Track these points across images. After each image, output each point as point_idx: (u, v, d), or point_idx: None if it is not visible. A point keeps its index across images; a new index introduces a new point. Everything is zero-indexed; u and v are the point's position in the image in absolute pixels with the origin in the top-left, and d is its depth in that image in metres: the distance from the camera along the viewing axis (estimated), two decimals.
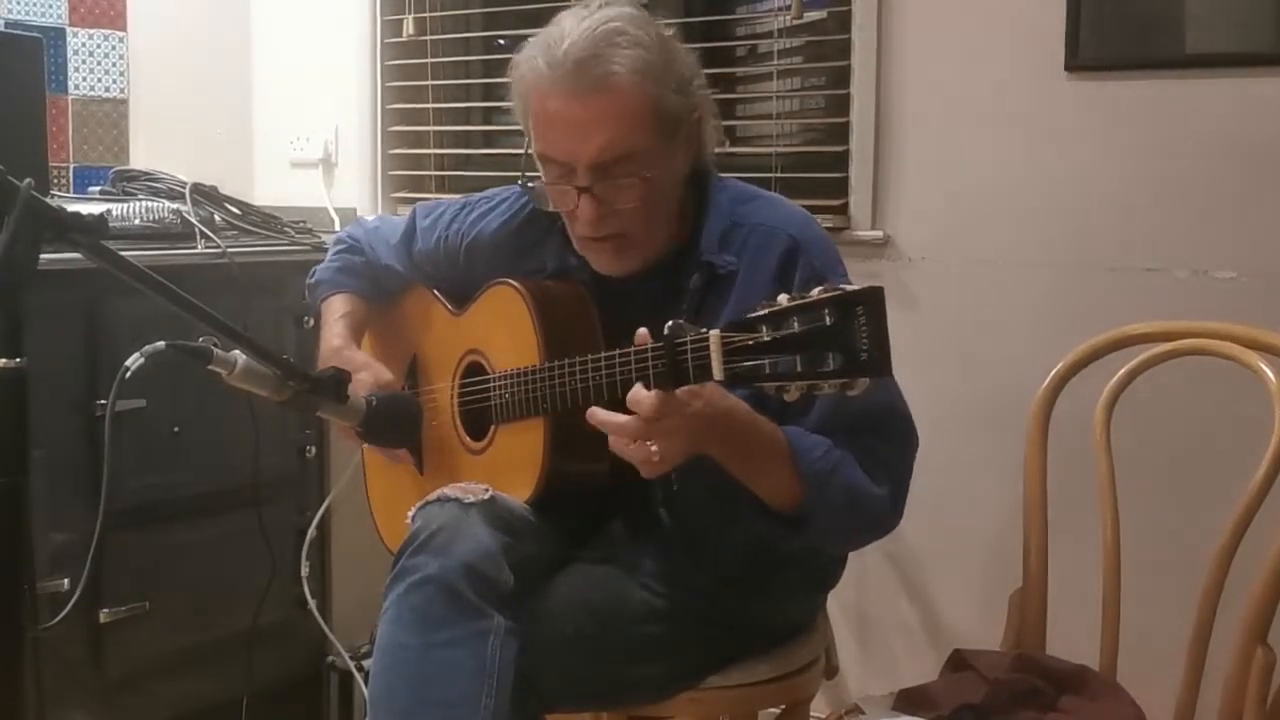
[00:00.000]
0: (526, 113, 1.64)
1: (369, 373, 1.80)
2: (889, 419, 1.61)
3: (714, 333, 1.34)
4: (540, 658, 1.54)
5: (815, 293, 1.28)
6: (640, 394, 1.41)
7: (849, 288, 1.29)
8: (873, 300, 1.27)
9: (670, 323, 1.40)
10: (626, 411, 1.42)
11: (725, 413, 1.46)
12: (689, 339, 1.38)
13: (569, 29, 1.56)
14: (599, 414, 1.44)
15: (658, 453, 1.42)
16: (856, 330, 1.26)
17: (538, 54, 1.58)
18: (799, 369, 1.28)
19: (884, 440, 1.59)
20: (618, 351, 1.48)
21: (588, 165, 1.57)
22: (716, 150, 1.73)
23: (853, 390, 1.28)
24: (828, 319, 1.27)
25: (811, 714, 1.83)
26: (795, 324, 1.28)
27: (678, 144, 1.62)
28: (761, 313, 1.31)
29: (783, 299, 1.30)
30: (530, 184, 1.70)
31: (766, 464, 1.52)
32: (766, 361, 1.30)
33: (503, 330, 1.73)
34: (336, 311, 1.93)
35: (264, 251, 2.49)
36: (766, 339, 1.30)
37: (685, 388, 1.39)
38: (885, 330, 1.26)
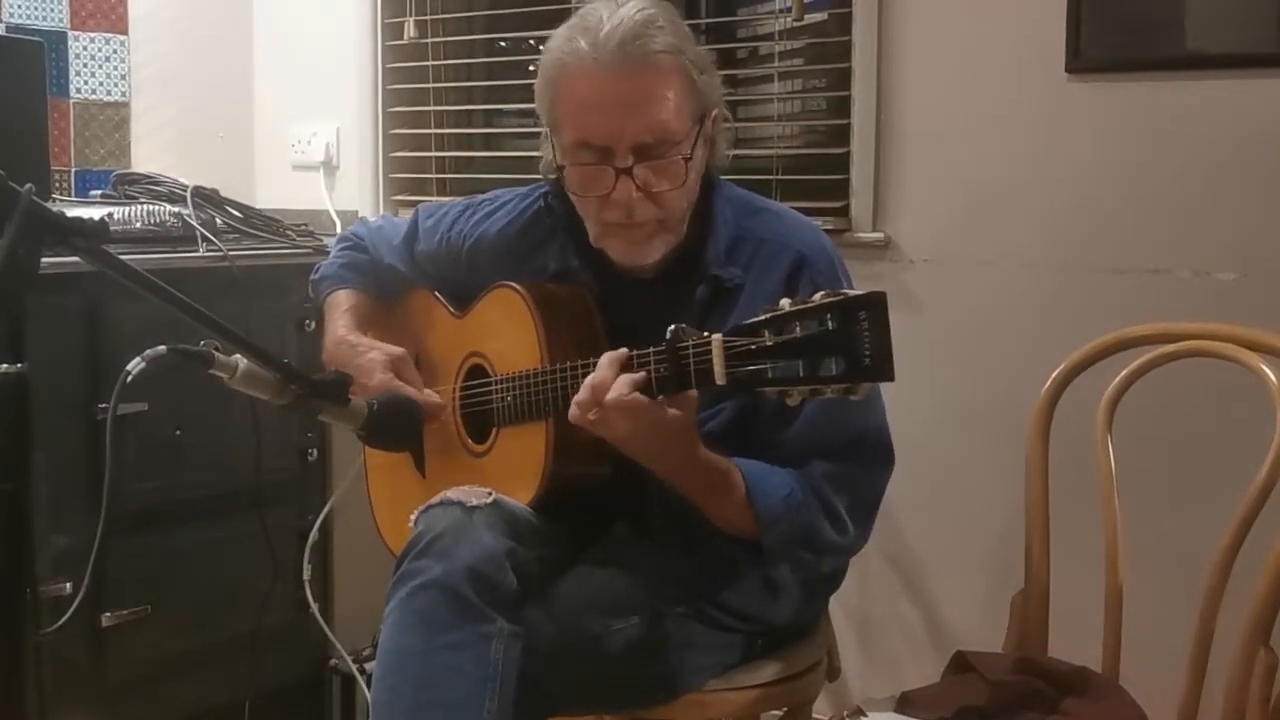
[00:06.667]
0: (555, 101, 1.62)
1: (378, 352, 1.80)
2: (867, 442, 1.63)
3: (716, 337, 1.34)
4: (543, 661, 1.53)
5: (818, 298, 1.29)
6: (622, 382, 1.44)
7: (852, 292, 1.28)
8: (875, 305, 1.27)
9: (673, 326, 1.40)
10: None
11: (671, 429, 1.48)
12: (691, 343, 1.38)
13: (605, 16, 1.57)
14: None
15: (596, 424, 1.46)
16: (859, 335, 1.26)
17: (577, 37, 1.57)
18: (801, 374, 1.28)
19: (859, 464, 1.62)
20: None
21: (630, 145, 1.56)
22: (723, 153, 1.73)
23: (855, 395, 1.28)
24: (830, 324, 1.27)
25: (814, 716, 1.83)
26: (798, 329, 1.29)
27: (702, 136, 1.62)
28: (764, 317, 1.31)
29: (785, 304, 1.30)
30: (559, 168, 1.66)
31: (716, 494, 1.57)
32: (769, 366, 1.30)
33: (505, 332, 1.73)
34: (341, 305, 1.93)
35: (265, 255, 2.49)
36: (769, 343, 1.30)
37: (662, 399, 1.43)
38: (888, 335, 1.27)
